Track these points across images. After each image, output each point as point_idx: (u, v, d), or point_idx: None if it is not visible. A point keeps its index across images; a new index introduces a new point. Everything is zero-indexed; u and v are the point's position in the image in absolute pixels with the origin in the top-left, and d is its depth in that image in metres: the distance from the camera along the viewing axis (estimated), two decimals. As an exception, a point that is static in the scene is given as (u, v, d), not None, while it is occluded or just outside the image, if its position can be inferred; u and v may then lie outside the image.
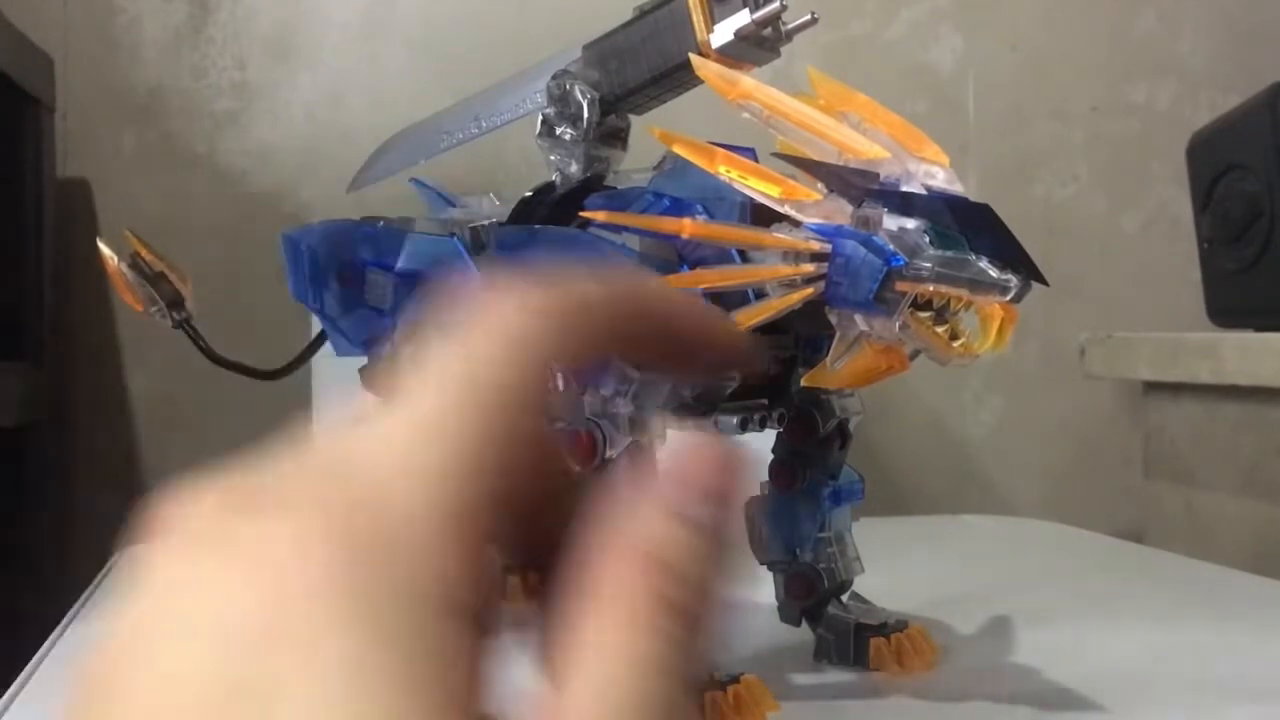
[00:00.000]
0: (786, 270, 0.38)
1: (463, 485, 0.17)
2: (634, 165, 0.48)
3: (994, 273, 0.35)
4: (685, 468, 0.18)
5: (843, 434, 0.49)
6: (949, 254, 0.36)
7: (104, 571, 0.74)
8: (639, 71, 0.46)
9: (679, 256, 0.41)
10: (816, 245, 0.37)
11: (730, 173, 0.38)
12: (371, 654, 0.15)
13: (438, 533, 0.17)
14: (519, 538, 0.19)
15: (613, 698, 0.16)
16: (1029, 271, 0.36)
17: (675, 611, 0.17)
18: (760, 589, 0.51)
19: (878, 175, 0.37)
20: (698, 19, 0.44)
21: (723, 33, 0.44)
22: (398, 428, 0.18)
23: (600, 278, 0.20)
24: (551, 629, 0.18)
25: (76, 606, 0.64)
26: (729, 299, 0.40)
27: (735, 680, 0.42)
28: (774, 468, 0.50)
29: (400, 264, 0.50)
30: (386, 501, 0.17)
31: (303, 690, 0.15)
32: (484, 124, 0.53)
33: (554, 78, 0.47)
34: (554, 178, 0.49)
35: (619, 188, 0.46)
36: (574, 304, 0.19)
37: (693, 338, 0.22)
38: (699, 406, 0.44)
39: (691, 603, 0.17)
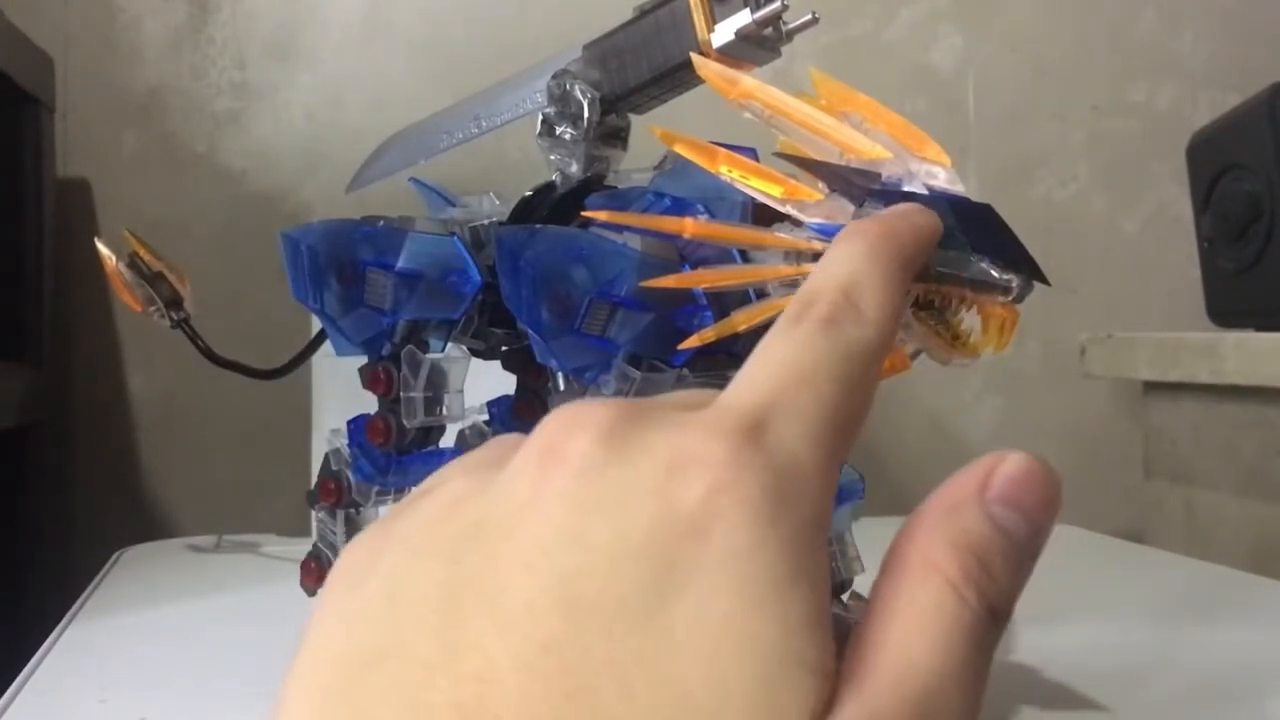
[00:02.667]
0: (788, 270, 0.37)
1: (834, 433, 0.19)
2: (634, 165, 0.48)
3: (996, 273, 0.35)
4: (1013, 480, 0.20)
5: (843, 434, 0.49)
6: (951, 254, 0.36)
7: (104, 571, 0.74)
8: (639, 71, 0.46)
9: (680, 256, 0.41)
10: (818, 245, 0.37)
11: (731, 172, 0.38)
12: (778, 557, 0.17)
13: (821, 474, 0.19)
14: None
15: (927, 666, 0.18)
16: (1031, 271, 0.36)
17: (983, 601, 0.18)
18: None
19: (879, 175, 0.37)
20: (698, 18, 0.44)
21: (723, 32, 0.44)
22: (769, 377, 0.20)
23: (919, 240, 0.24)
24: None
25: (76, 606, 0.64)
26: (730, 299, 0.40)
27: (736, 680, 0.42)
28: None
29: (400, 264, 0.50)
30: (774, 435, 0.19)
31: (715, 569, 0.17)
32: (484, 124, 0.53)
33: (554, 77, 0.47)
34: (554, 177, 0.49)
35: (619, 187, 0.46)
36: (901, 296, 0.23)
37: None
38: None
39: (997, 602, 0.18)
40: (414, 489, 0.22)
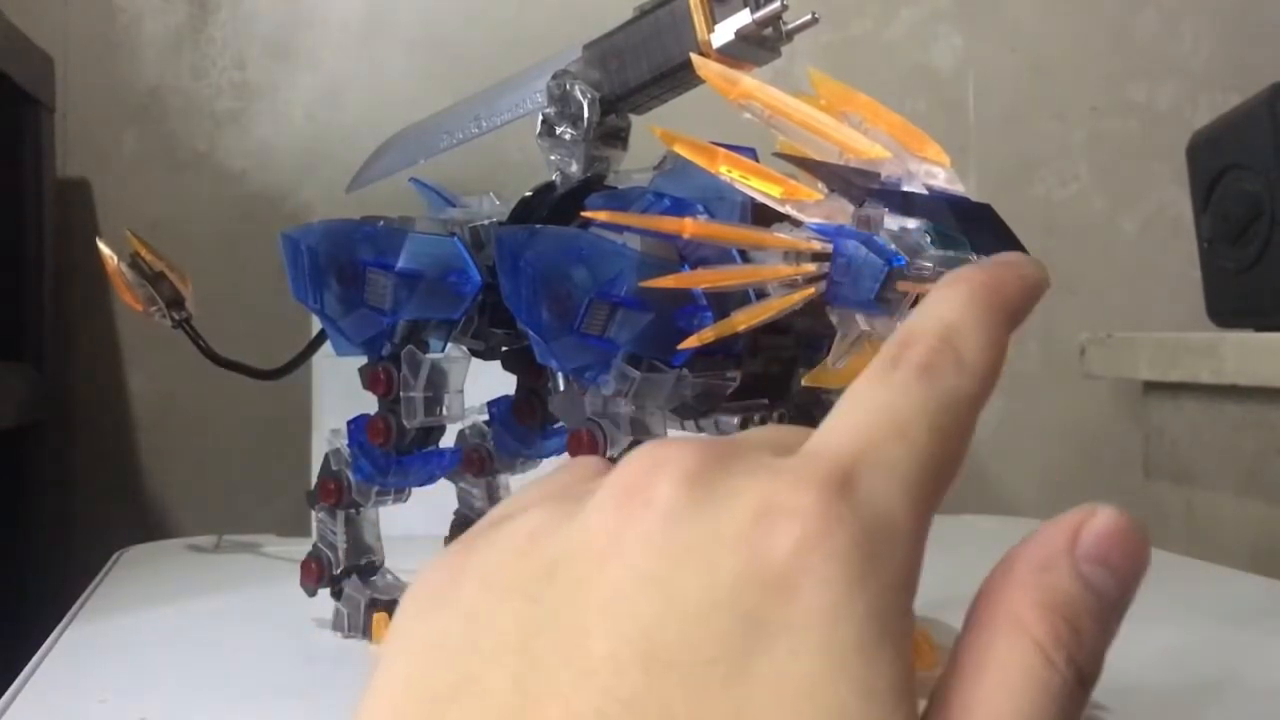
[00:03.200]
0: (787, 270, 0.38)
1: (928, 487, 0.19)
2: (634, 165, 0.48)
3: (995, 273, 0.35)
4: (1103, 537, 0.19)
5: (843, 434, 0.49)
6: (950, 254, 0.36)
7: (104, 571, 0.74)
8: (639, 71, 0.46)
9: (680, 256, 0.41)
10: (818, 245, 0.37)
11: (731, 172, 0.38)
12: (865, 619, 0.17)
13: (912, 531, 0.18)
14: None
15: (1006, 704, 0.17)
16: (1030, 271, 0.36)
17: (1071, 665, 0.18)
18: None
19: (879, 175, 0.37)
20: (698, 19, 0.44)
21: (723, 32, 0.44)
22: (862, 424, 0.19)
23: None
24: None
25: (76, 606, 0.64)
26: (730, 299, 0.40)
27: (736, 680, 0.42)
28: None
29: (400, 264, 0.50)
30: (866, 487, 0.18)
31: (801, 630, 0.16)
32: (484, 124, 0.53)
33: (554, 77, 0.47)
34: (554, 178, 0.49)
35: (619, 188, 0.46)
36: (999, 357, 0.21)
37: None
38: (700, 406, 0.44)
39: (1085, 666, 0.18)
40: (492, 511, 0.21)
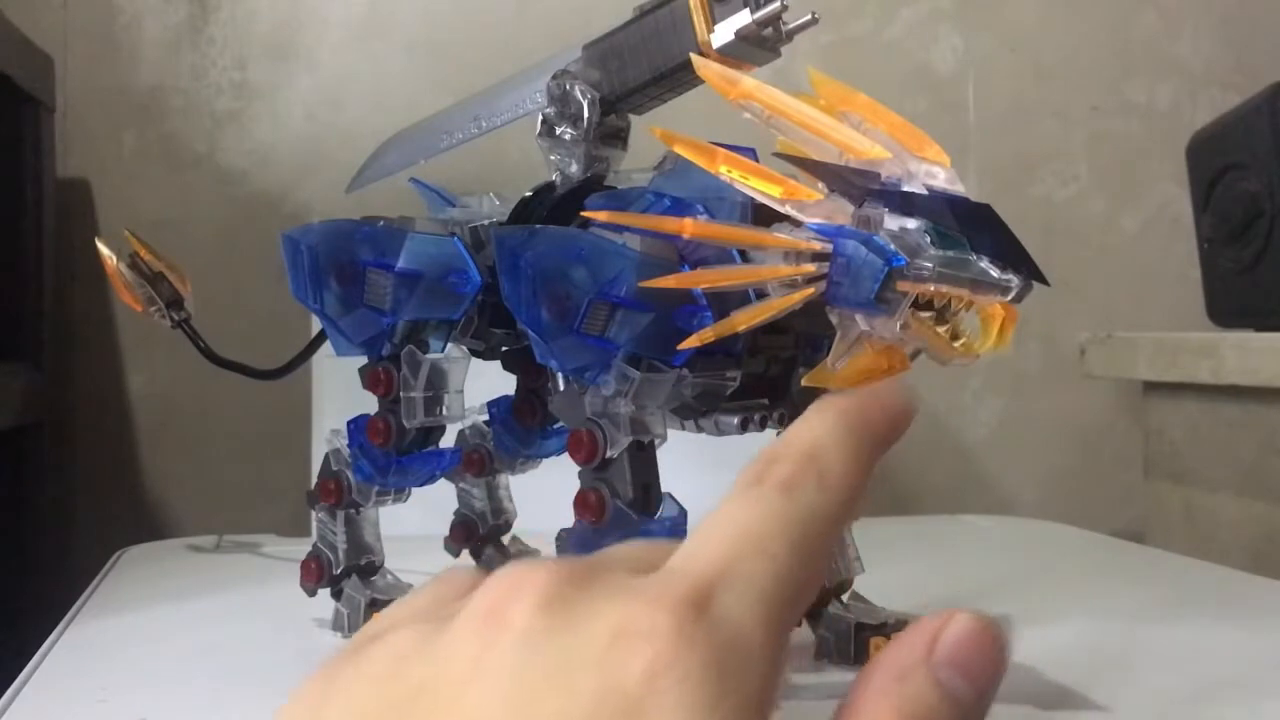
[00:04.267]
0: (787, 270, 0.37)
1: (785, 604, 0.19)
2: (634, 165, 0.48)
3: (995, 273, 0.35)
4: (959, 643, 0.19)
5: (843, 434, 0.49)
6: (950, 254, 0.36)
7: (104, 571, 0.74)
8: (639, 71, 0.46)
9: (680, 256, 0.41)
10: (818, 245, 0.37)
11: (731, 173, 0.38)
12: None
13: (768, 648, 0.18)
14: None
15: None
16: (1030, 271, 0.36)
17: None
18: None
19: (879, 175, 0.37)
20: (698, 19, 0.44)
21: (723, 33, 0.44)
22: (723, 541, 0.19)
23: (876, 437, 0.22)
24: None
25: (76, 606, 0.64)
26: (730, 299, 0.40)
27: (736, 680, 0.42)
28: (774, 468, 0.50)
29: (400, 264, 0.50)
30: (723, 606, 0.18)
31: None
32: (484, 124, 0.53)
33: (554, 78, 0.47)
34: (554, 178, 0.49)
35: (619, 188, 0.46)
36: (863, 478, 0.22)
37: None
38: (700, 406, 0.44)
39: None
40: (359, 633, 0.22)
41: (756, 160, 0.39)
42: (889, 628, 0.48)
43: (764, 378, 0.45)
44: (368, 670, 0.19)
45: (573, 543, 0.43)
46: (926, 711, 0.18)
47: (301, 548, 0.58)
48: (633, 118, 0.49)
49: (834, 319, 0.38)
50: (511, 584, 0.19)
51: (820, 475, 0.21)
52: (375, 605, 0.54)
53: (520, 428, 0.53)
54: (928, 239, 0.36)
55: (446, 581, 0.22)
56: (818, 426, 0.22)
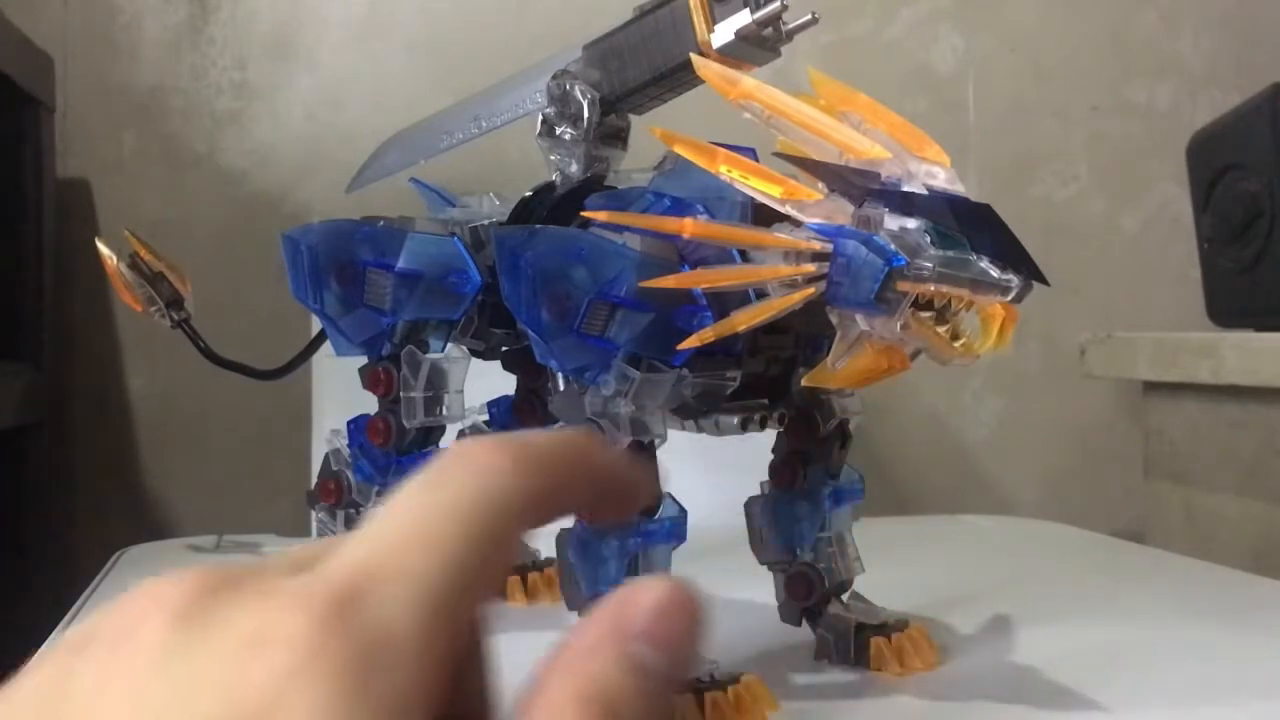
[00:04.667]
0: (787, 270, 0.37)
1: (451, 596, 0.18)
2: (634, 165, 0.48)
3: (995, 273, 0.35)
4: (649, 614, 0.19)
5: (843, 434, 0.49)
6: (950, 254, 0.36)
7: (104, 571, 0.74)
8: (639, 71, 0.46)
9: (680, 256, 0.41)
10: (818, 245, 0.37)
11: (731, 172, 0.38)
12: None
13: (422, 643, 0.17)
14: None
15: None
16: (1030, 271, 0.36)
17: None
18: (760, 589, 0.51)
19: (879, 175, 0.37)
20: (698, 19, 0.44)
21: (723, 33, 0.44)
22: (385, 534, 0.18)
23: (556, 441, 0.21)
24: None
25: (76, 606, 0.64)
26: (730, 299, 0.40)
27: (735, 680, 0.42)
28: (774, 467, 0.50)
29: (400, 264, 0.50)
30: (373, 602, 0.17)
31: None
32: (484, 124, 0.53)
33: (554, 78, 0.47)
34: (554, 178, 0.49)
35: (619, 188, 0.46)
36: (543, 463, 0.20)
37: (617, 487, 0.23)
38: (700, 406, 0.44)
39: None
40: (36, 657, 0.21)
41: (756, 160, 0.39)
42: (889, 628, 0.48)
43: (764, 378, 0.45)
44: (18, 699, 0.18)
45: (573, 543, 0.43)
46: (609, 689, 0.18)
47: (301, 548, 0.57)
48: (633, 118, 0.49)
49: (834, 319, 0.38)
50: (144, 602, 0.18)
51: (513, 457, 0.20)
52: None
53: (520, 428, 0.53)
54: (928, 239, 0.36)
55: (119, 608, 0.20)
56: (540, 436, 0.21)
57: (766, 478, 0.50)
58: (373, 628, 0.17)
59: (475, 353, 0.53)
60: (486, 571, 0.19)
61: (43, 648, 0.55)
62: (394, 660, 0.17)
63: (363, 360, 0.53)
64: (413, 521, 0.18)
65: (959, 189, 0.37)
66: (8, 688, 0.19)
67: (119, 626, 0.18)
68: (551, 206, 0.48)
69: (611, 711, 0.17)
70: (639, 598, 0.19)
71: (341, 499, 0.54)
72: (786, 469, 0.49)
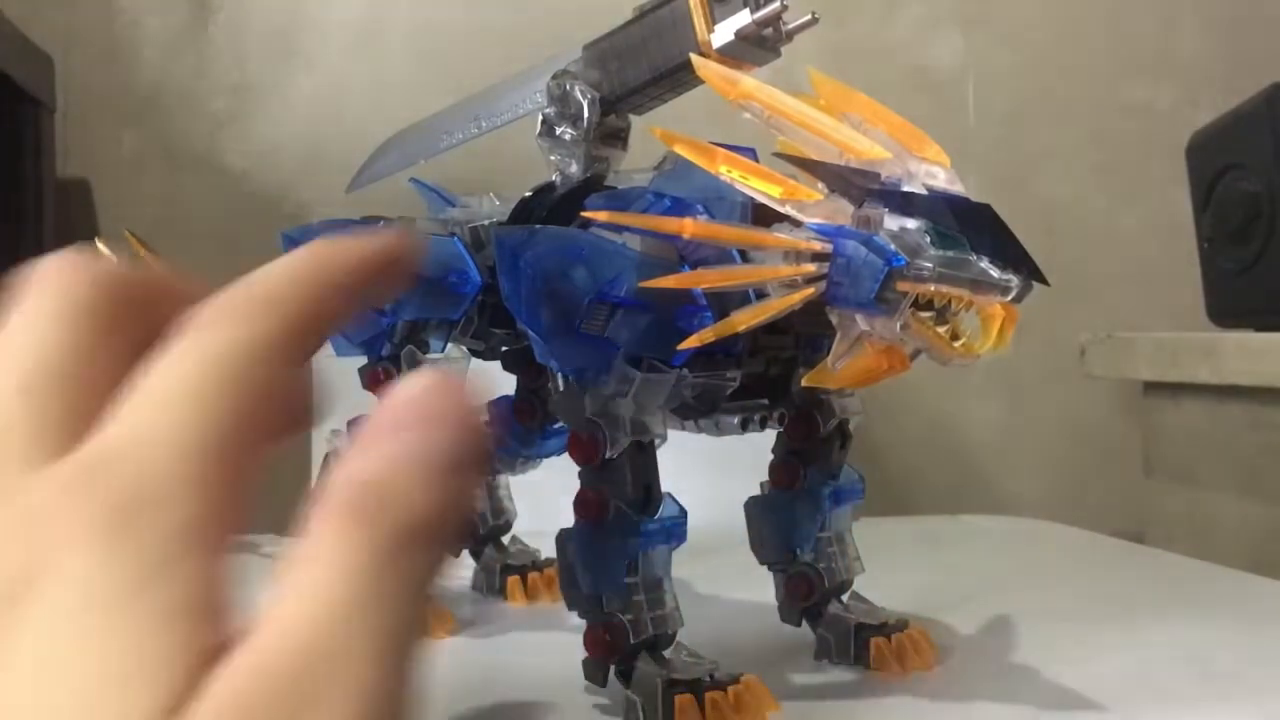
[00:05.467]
0: (787, 270, 0.37)
1: (206, 436, 0.18)
2: (634, 165, 0.48)
3: (995, 273, 0.35)
4: (393, 408, 0.19)
5: (843, 434, 0.49)
6: (950, 254, 0.36)
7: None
8: (639, 71, 0.46)
9: (680, 257, 0.41)
10: (818, 245, 0.37)
11: (731, 173, 0.38)
12: (116, 574, 0.16)
13: (183, 478, 0.17)
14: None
15: (317, 601, 0.16)
16: (1030, 271, 0.36)
17: (380, 524, 0.17)
18: (760, 589, 0.51)
19: (879, 175, 0.37)
20: (698, 19, 0.44)
21: (723, 33, 0.44)
22: (139, 403, 0.18)
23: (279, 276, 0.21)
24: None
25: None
26: (730, 299, 0.40)
27: (735, 680, 0.42)
28: (774, 467, 0.50)
29: (400, 264, 0.50)
30: (119, 468, 0.17)
31: (52, 602, 0.16)
32: (484, 124, 0.53)
33: (554, 78, 0.47)
34: (554, 178, 0.49)
35: (619, 188, 0.46)
36: (268, 306, 0.20)
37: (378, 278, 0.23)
38: (700, 406, 0.44)
39: (407, 519, 0.17)
40: None
41: (756, 160, 0.39)
42: (889, 628, 0.48)
43: (764, 378, 0.45)
44: None
45: (573, 543, 0.43)
46: (366, 473, 0.18)
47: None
48: (633, 118, 0.49)
49: (834, 319, 0.38)
50: None
51: (247, 308, 0.20)
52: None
53: (520, 428, 0.53)
54: (927, 239, 0.36)
55: None
56: (268, 271, 0.21)
57: (766, 478, 0.50)
58: (125, 480, 0.17)
59: (475, 353, 0.53)
60: (245, 416, 0.19)
61: None
62: (155, 500, 0.17)
63: (363, 360, 0.53)
64: (161, 388, 0.18)
65: (959, 189, 0.38)
66: None
67: None
68: (551, 206, 0.48)
69: (373, 490, 0.17)
70: (394, 397, 0.19)
71: (341, 499, 0.54)
72: (786, 469, 0.49)
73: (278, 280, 0.21)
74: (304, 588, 0.17)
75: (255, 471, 0.19)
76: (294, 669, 0.16)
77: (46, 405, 0.19)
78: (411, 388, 0.19)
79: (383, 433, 0.18)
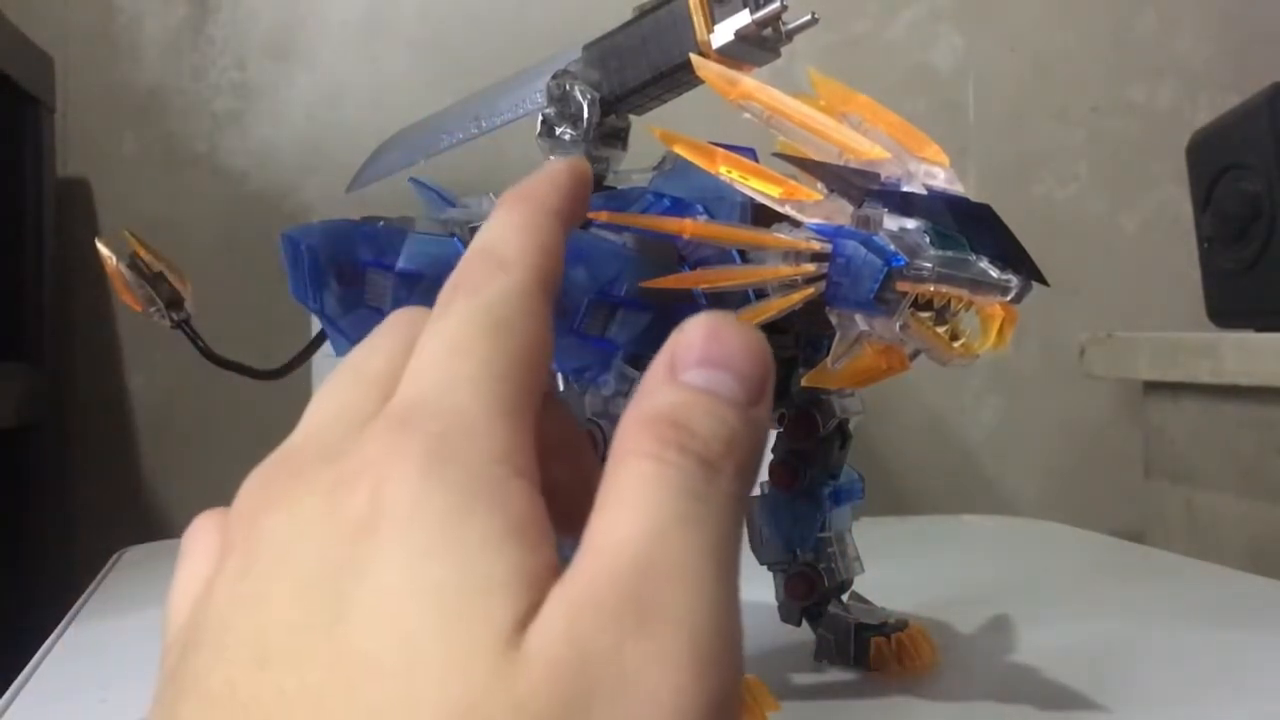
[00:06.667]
0: (787, 270, 0.37)
1: (502, 378, 0.20)
2: (634, 165, 0.48)
3: (995, 273, 0.35)
4: (693, 345, 0.20)
5: (843, 434, 0.49)
6: (950, 254, 0.36)
7: (104, 571, 0.74)
8: (639, 71, 0.46)
9: (680, 257, 0.41)
10: (817, 245, 0.37)
11: (731, 173, 0.38)
12: (446, 501, 0.18)
13: (489, 415, 0.19)
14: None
15: (648, 518, 0.18)
16: (1030, 271, 0.36)
17: (686, 455, 0.18)
18: (760, 589, 0.51)
19: (878, 175, 0.37)
20: (698, 19, 0.44)
21: (723, 33, 0.44)
22: (425, 361, 0.21)
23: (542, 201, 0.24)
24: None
25: (76, 606, 0.64)
26: (729, 299, 0.40)
27: (735, 680, 0.42)
28: (774, 467, 0.50)
29: (400, 264, 0.50)
30: (431, 408, 0.19)
31: (388, 548, 0.18)
32: (484, 124, 0.53)
33: (554, 78, 0.47)
34: (554, 178, 0.48)
35: (619, 188, 0.46)
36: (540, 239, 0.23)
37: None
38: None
39: (708, 453, 0.18)
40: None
41: (756, 160, 0.39)
42: (889, 628, 0.48)
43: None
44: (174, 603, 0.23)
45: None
46: (673, 410, 0.19)
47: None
48: (633, 118, 0.49)
49: (833, 319, 0.38)
50: (244, 501, 0.21)
51: (497, 263, 0.22)
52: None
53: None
54: (927, 239, 0.36)
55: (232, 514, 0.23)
56: (487, 225, 0.23)
57: (766, 478, 0.50)
58: (440, 424, 0.19)
59: (475, 353, 0.53)
60: (524, 354, 0.20)
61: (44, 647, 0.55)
62: (468, 436, 0.19)
63: (363, 360, 0.53)
64: (444, 345, 0.21)
65: (958, 189, 0.37)
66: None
67: (225, 541, 0.21)
68: (551, 207, 0.48)
69: (679, 424, 0.18)
70: (679, 338, 0.20)
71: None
72: (786, 469, 0.49)
73: (520, 228, 0.23)
74: (631, 508, 0.18)
75: (535, 406, 0.20)
76: (635, 574, 0.17)
77: (370, 385, 0.22)
78: (691, 334, 0.20)
79: (678, 371, 0.20)
